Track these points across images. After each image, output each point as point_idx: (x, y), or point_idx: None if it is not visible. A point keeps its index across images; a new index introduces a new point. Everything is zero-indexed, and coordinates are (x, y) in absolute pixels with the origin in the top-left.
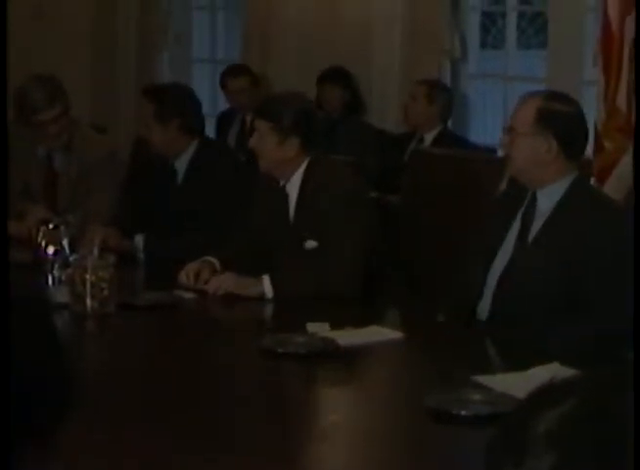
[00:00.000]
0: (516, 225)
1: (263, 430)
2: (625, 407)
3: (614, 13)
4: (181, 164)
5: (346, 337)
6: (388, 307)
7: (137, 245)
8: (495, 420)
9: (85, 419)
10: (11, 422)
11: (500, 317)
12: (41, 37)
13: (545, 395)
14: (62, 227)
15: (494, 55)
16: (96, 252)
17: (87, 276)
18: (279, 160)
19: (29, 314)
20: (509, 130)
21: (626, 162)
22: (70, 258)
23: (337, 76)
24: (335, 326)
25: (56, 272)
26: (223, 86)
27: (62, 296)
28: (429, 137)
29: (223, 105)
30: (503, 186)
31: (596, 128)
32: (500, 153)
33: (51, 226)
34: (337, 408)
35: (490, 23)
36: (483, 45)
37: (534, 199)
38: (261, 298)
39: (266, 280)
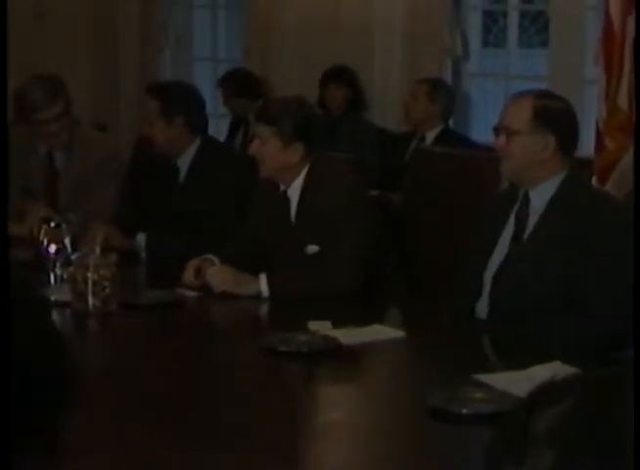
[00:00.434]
0: (510, 225)
1: (264, 428)
2: (626, 406)
3: (615, 12)
4: (183, 163)
5: (348, 335)
6: (390, 306)
7: (139, 243)
8: (496, 419)
9: (86, 417)
10: (11, 422)
11: (498, 316)
12: (42, 36)
13: (546, 393)
14: (63, 226)
15: (496, 54)
16: (98, 250)
17: (89, 275)
18: (282, 165)
19: (29, 313)
20: (503, 130)
21: (627, 160)
22: (72, 257)
23: (341, 75)
24: (337, 325)
25: (58, 271)
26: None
27: (63, 294)
28: (430, 136)
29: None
30: (504, 185)
31: (597, 127)
32: None
33: (53, 225)
34: (338, 407)
35: (492, 22)
36: (485, 44)
37: (527, 198)
38: (258, 296)
39: (263, 279)
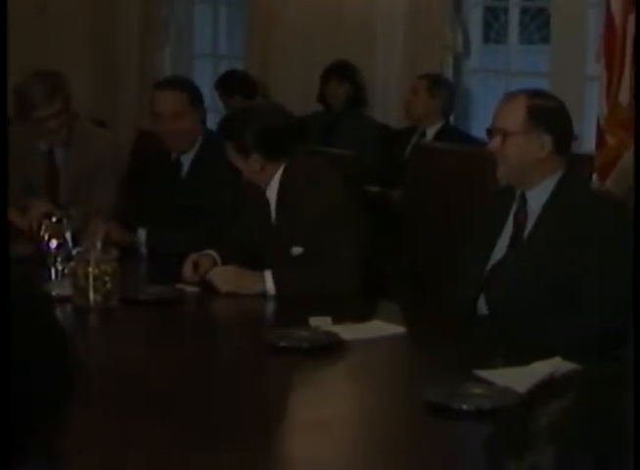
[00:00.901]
0: (509, 225)
1: (265, 424)
2: (626, 403)
3: (617, 9)
4: (186, 158)
5: (349, 331)
6: (390, 302)
7: (139, 239)
8: (496, 414)
9: (87, 413)
10: (12, 419)
11: (496, 316)
12: (42, 33)
13: (546, 389)
14: (64, 221)
15: (496, 50)
16: (99, 245)
17: (90, 270)
18: (250, 172)
19: (31, 310)
20: (497, 132)
21: (628, 157)
22: (73, 252)
23: (343, 71)
24: (337, 320)
25: (58, 266)
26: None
27: (64, 289)
28: (430, 132)
29: None
30: (504, 181)
31: (598, 124)
32: None
33: (54, 220)
34: (339, 402)
35: (493, 19)
36: (486, 40)
37: (524, 199)
38: (263, 294)
39: (268, 276)
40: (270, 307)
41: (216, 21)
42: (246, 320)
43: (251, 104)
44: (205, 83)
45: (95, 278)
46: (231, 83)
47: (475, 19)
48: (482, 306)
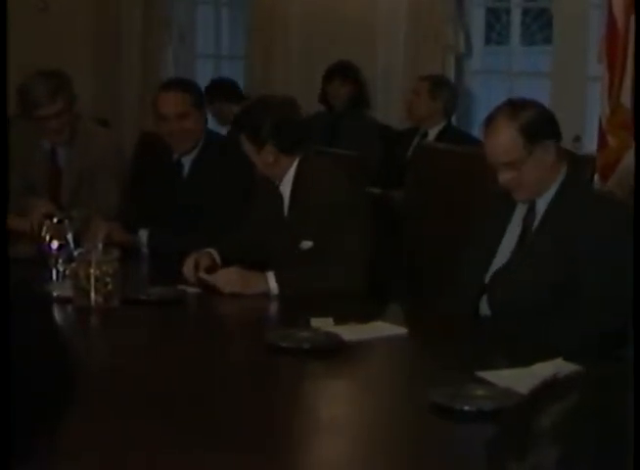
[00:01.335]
0: (513, 227)
1: (265, 425)
2: (628, 404)
3: (619, 10)
4: (187, 159)
5: (350, 332)
6: (392, 303)
7: (141, 239)
8: (499, 415)
9: (88, 414)
10: (12, 420)
11: (499, 315)
12: (44, 32)
13: (549, 390)
14: (66, 222)
15: (498, 51)
16: (100, 246)
17: (91, 270)
18: (263, 164)
19: (30, 310)
20: (504, 166)
21: (630, 158)
22: (75, 253)
23: (346, 71)
24: (339, 321)
25: (60, 267)
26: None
27: (65, 290)
28: (432, 133)
29: None
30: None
31: (600, 124)
32: None
33: (55, 221)
34: (340, 403)
35: (495, 19)
36: (488, 41)
37: (533, 201)
38: (266, 295)
39: (271, 277)
40: (271, 308)
41: (218, 21)
42: (247, 321)
43: (268, 96)
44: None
45: (96, 279)
46: (219, 90)
47: (477, 19)
48: (484, 308)
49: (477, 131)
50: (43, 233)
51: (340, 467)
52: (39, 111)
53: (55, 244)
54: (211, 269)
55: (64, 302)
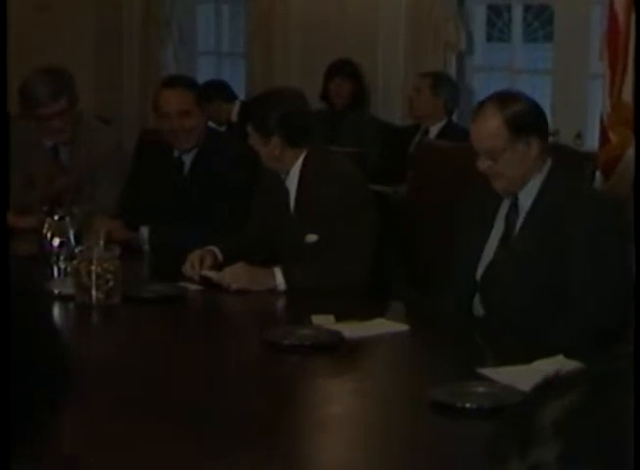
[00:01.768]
0: (499, 225)
1: (266, 422)
2: (629, 401)
3: (620, 7)
4: (188, 156)
5: (351, 329)
6: (393, 300)
7: (142, 236)
8: (499, 413)
9: (89, 411)
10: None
11: (493, 315)
12: (45, 31)
13: (551, 387)
14: (67, 219)
15: (500, 48)
16: (101, 243)
17: (92, 268)
18: (268, 157)
19: (22, 306)
20: (484, 154)
21: (631, 154)
22: (76, 250)
23: (347, 69)
24: (340, 318)
25: (61, 264)
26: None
27: (67, 287)
28: (434, 130)
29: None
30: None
31: (602, 121)
32: None
33: (56, 218)
34: (341, 400)
35: (496, 16)
36: (489, 38)
37: (516, 197)
38: (273, 290)
39: (278, 272)
40: (273, 306)
41: (219, 19)
42: (248, 318)
43: (276, 88)
44: None
45: (97, 276)
46: (210, 90)
47: (478, 16)
48: (477, 308)
49: None
50: (44, 230)
51: (341, 463)
52: (41, 109)
53: (56, 241)
54: (214, 267)
55: (65, 299)
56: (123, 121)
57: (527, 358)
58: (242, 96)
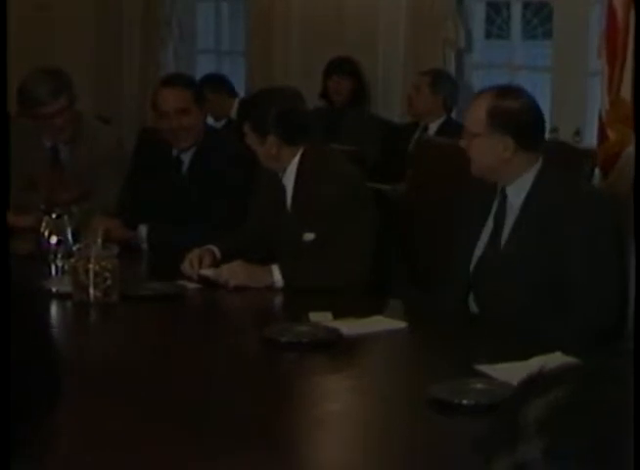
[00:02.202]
0: (489, 224)
1: (264, 419)
2: (613, 398)
3: (618, 4)
4: (186, 155)
5: (349, 326)
6: (391, 298)
7: (140, 235)
8: (496, 409)
9: (86, 409)
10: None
11: (486, 312)
12: (45, 29)
13: (534, 384)
14: (65, 217)
15: (499, 45)
16: (99, 242)
17: (90, 266)
18: (265, 155)
19: (19, 306)
20: (465, 131)
21: (631, 152)
22: (74, 248)
23: (346, 66)
24: (338, 316)
25: (59, 262)
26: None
27: (64, 285)
28: (433, 127)
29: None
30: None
31: (600, 119)
32: None
33: (54, 216)
34: (339, 397)
35: (495, 14)
36: (488, 35)
37: (504, 195)
38: (270, 288)
39: (275, 270)
40: (271, 303)
41: (218, 17)
42: (246, 316)
43: (273, 87)
44: None
45: (95, 274)
46: (216, 82)
47: (477, 13)
48: (472, 306)
49: None
50: (42, 229)
51: (339, 461)
52: (42, 108)
53: (54, 239)
54: (213, 266)
55: (62, 297)
56: (123, 121)
57: (525, 355)
58: (242, 94)
